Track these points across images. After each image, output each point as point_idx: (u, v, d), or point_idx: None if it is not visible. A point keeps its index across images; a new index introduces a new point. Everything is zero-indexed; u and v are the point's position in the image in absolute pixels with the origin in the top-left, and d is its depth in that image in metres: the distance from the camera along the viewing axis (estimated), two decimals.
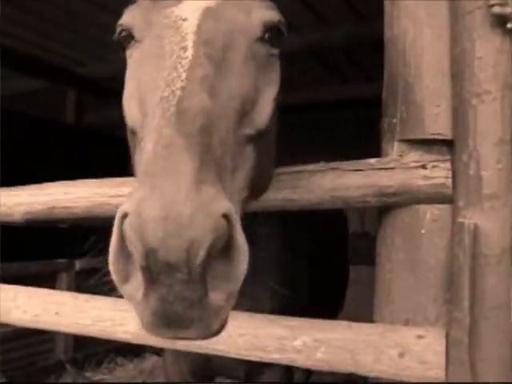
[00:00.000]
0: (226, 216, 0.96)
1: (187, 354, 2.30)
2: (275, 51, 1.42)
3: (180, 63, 1.16)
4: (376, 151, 1.79)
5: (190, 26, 1.23)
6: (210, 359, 2.25)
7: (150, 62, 1.27)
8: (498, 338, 1.50)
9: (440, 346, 1.56)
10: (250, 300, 1.98)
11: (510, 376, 1.50)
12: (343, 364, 1.67)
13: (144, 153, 1.09)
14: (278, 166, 1.78)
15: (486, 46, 1.52)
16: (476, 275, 1.50)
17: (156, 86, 1.17)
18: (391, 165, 1.68)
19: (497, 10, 1.47)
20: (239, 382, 2.45)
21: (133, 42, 1.40)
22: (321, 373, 4.05)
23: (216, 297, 0.99)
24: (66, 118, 7.90)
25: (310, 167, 1.79)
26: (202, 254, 0.92)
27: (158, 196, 0.93)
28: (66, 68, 7.14)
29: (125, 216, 0.96)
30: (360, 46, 5.98)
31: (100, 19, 5.36)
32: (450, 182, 1.61)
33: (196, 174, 0.96)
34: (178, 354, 2.37)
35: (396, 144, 1.70)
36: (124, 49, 1.46)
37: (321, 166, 1.77)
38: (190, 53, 1.18)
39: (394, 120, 1.71)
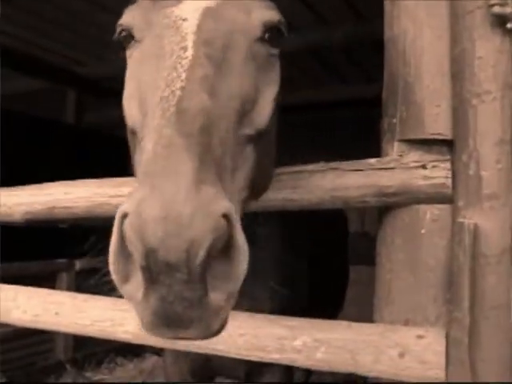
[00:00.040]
0: (225, 216, 0.96)
1: (187, 354, 2.30)
2: (275, 51, 1.42)
3: (180, 63, 1.16)
4: (376, 151, 1.79)
5: (190, 26, 1.23)
6: (210, 359, 2.25)
7: (149, 62, 1.27)
8: (498, 338, 1.50)
9: (440, 346, 1.56)
10: (249, 300, 1.98)
11: (510, 376, 1.50)
12: (343, 364, 1.67)
13: (144, 153, 1.09)
14: (278, 166, 1.78)
15: (486, 46, 1.52)
16: (476, 275, 1.50)
17: (156, 85, 1.17)
18: (391, 165, 1.68)
19: (497, 9, 1.47)
20: (239, 381, 2.45)
21: (133, 42, 1.40)
22: (321, 373, 4.05)
23: (216, 297, 0.99)
24: (65, 118, 7.90)
25: (310, 167, 1.79)
26: (201, 254, 0.92)
27: (158, 196, 0.93)
28: (66, 68, 7.15)
29: (125, 216, 0.96)
30: (360, 46, 5.98)
31: (100, 19, 5.36)
32: (449, 182, 1.61)
33: (196, 174, 0.96)
34: (178, 354, 2.37)
35: (396, 144, 1.70)
36: (124, 49, 1.46)
37: (321, 166, 1.77)
38: (189, 53, 1.18)
39: (394, 120, 1.70)
